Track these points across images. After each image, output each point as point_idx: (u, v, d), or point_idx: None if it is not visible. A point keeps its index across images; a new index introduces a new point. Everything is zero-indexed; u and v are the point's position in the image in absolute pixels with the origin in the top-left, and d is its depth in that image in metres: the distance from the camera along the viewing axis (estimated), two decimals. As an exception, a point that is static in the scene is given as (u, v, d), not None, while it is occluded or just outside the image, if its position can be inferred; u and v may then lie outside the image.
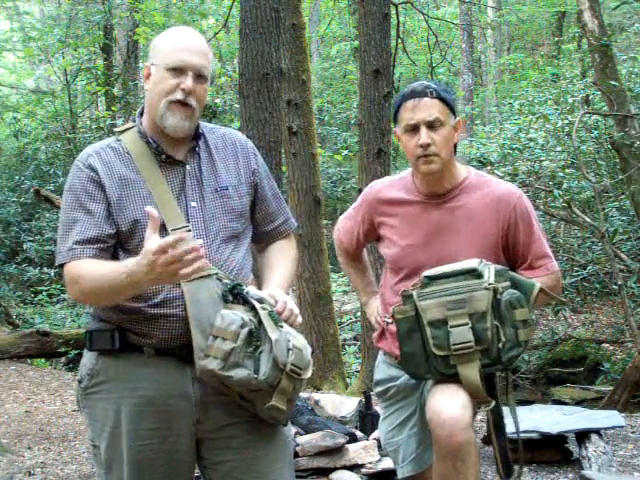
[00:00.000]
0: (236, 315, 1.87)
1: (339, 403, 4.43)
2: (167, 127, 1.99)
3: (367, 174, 6.59)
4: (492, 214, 2.44)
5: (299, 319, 2.01)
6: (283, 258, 2.20)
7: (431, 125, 2.39)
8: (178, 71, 1.97)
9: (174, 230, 1.93)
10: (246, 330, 1.86)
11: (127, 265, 1.80)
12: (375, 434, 4.12)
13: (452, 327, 2.23)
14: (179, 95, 1.97)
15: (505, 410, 2.43)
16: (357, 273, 2.86)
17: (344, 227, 2.77)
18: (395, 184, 2.59)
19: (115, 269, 1.84)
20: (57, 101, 15.69)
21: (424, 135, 2.38)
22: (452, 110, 2.45)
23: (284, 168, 6.96)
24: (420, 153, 2.39)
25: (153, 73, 2.02)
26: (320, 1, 18.48)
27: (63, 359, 9.49)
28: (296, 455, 3.82)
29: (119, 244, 1.98)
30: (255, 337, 1.86)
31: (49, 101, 15.77)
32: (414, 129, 2.40)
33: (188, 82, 1.97)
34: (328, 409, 4.33)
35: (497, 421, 2.37)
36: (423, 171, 2.43)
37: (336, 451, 3.87)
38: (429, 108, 2.39)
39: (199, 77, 2.00)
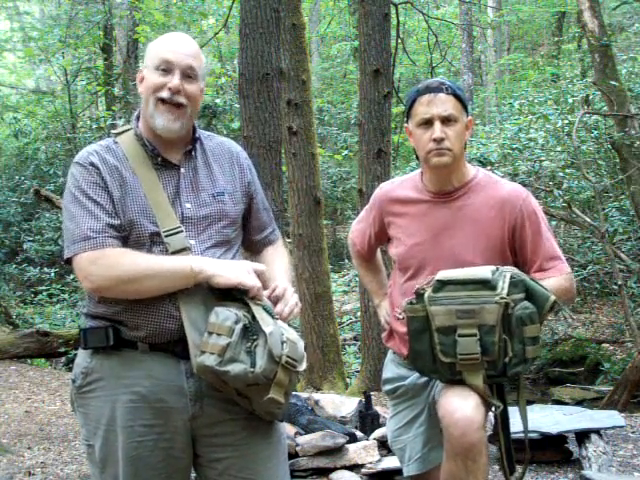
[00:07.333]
0: (230, 311, 1.89)
1: (339, 403, 4.43)
2: (157, 127, 2.03)
3: (367, 174, 6.60)
4: (497, 215, 2.44)
5: (299, 306, 2.07)
6: (278, 255, 2.27)
7: (445, 120, 2.40)
8: (166, 70, 2.02)
9: (166, 232, 1.96)
10: (240, 325, 1.88)
11: (194, 258, 1.95)
12: (375, 434, 4.12)
13: (460, 336, 2.22)
14: (165, 93, 2.01)
15: (512, 410, 2.43)
16: (370, 275, 2.88)
17: (357, 229, 2.80)
18: (405, 184, 2.61)
19: (175, 258, 1.93)
20: (57, 101, 15.70)
21: (438, 129, 2.40)
22: (465, 108, 2.47)
23: (284, 168, 6.96)
24: (433, 147, 2.41)
25: (145, 75, 2.07)
26: (320, 1, 18.50)
27: (63, 359, 9.49)
28: (296, 455, 3.82)
29: None
30: (251, 332, 1.89)
31: (49, 101, 15.78)
32: (428, 123, 2.42)
33: (175, 81, 2.01)
34: (328, 409, 4.33)
35: (504, 420, 2.38)
36: (434, 163, 2.43)
37: (336, 451, 3.87)
38: (444, 103, 2.41)
39: (188, 77, 2.04)
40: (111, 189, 1.98)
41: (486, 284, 2.23)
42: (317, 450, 3.83)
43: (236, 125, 12.01)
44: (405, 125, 2.56)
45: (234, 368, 1.84)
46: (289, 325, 2.00)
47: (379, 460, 3.92)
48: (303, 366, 1.93)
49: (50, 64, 15.82)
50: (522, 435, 2.45)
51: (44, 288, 12.57)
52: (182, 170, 2.07)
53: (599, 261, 9.02)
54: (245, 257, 2.25)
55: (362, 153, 6.70)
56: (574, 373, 8.65)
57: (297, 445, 3.84)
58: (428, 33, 10.42)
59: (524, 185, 4.06)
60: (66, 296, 12.31)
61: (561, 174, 8.85)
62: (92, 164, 2.00)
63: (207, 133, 2.21)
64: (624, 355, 8.56)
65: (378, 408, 4.47)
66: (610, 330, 9.63)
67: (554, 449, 4.35)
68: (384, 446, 3.90)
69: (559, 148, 9.03)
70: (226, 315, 1.88)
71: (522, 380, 2.38)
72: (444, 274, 2.29)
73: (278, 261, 2.24)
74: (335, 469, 3.86)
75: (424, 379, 2.51)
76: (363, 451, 3.93)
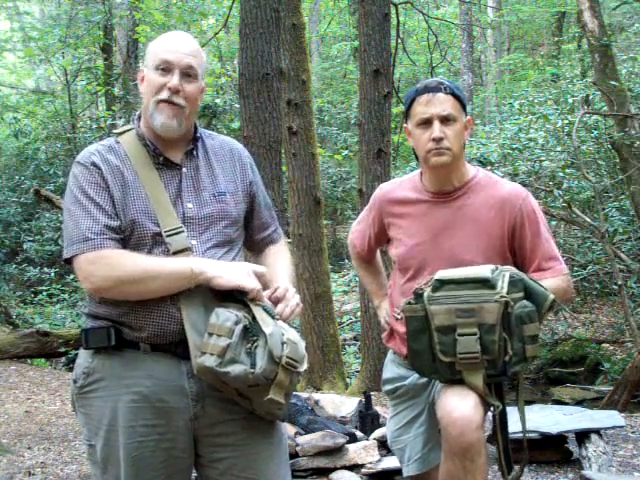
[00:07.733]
0: (230, 312, 1.90)
1: (339, 403, 4.43)
2: (156, 126, 2.03)
3: (367, 174, 6.60)
4: (497, 215, 2.44)
5: (300, 306, 2.06)
6: (280, 255, 2.27)
7: (444, 120, 2.41)
8: (165, 70, 2.03)
9: (168, 232, 1.96)
10: (240, 326, 1.88)
11: (194, 260, 1.94)
12: (375, 434, 4.12)
13: (460, 335, 2.21)
14: (164, 94, 2.02)
15: (510, 410, 2.43)
16: (370, 276, 2.87)
17: (357, 230, 2.80)
18: (404, 184, 2.61)
19: (176, 260, 1.93)
20: (57, 101, 15.70)
21: (437, 129, 2.40)
22: (464, 107, 2.47)
23: (284, 168, 6.96)
24: (432, 146, 2.41)
25: (146, 75, 2.07)
26: (320, 1, 18.51)
27: (63, 359, 9.49)
28: (296, 455, 3.82)
29: None
30: (251, 332, 1.89)
31: (49, 101, 15.78)
32: (427, 123, 2.42)
33: (174, 81, 2.01)
34: (328, 409, 4.33)
35: (502, 419, 2.38)
36: (433, 163, 2.43)
37: (336, 451, 3.87)
38: (442, 103, 2.41)
39: (187, 76, 2.04)
40: (112, 189, 1.98)
41: (485, 283, 2.23)
42: (317, 450, 3.83)
43: (236, 125, 12.01)
44: (404, 125, 2.56)
45: (234, 369, 1.84)
46: (290, 326, 2.00)
47: (379, 460, 3.92)
48: (304, 367, 1.93)
49: (50, 64, 15.83)
50: (521, 435, 2.45)
51: (44, 288, 12.57)
52: (184, 170, 2.07)
53: (599, 261, 9.02)
54: (246, 256, 2.25)
55: (362, 153, 6.70)
56: (574, 373, 8.65)
57: (297, 445, 3.84)
58: (428, 33, 10.43)
59: (524, 185, 4.08)
60: (66, 296, 12.31)
61: (561, 174, 8.84)
62: (94, 164, 2.00)
63: (208, 132, 2.21)
64: (624, 355, 8.55)
65: (378, 408, 4.46)
66: (610, 330, 9.63)
67: (554, 449, 4.35)
68: (384, 446, 3.90)
69: (559, 148, 9.03)
70: (226, 316, 1.88)
71: (521, 379, 2.38)
72: (443, 273, 2.29)
73: (280, 261, 2.23)
74: (335, 469, 3.86)
75: (424, 379, 2.50)
76: (363, 451, 3.93)
